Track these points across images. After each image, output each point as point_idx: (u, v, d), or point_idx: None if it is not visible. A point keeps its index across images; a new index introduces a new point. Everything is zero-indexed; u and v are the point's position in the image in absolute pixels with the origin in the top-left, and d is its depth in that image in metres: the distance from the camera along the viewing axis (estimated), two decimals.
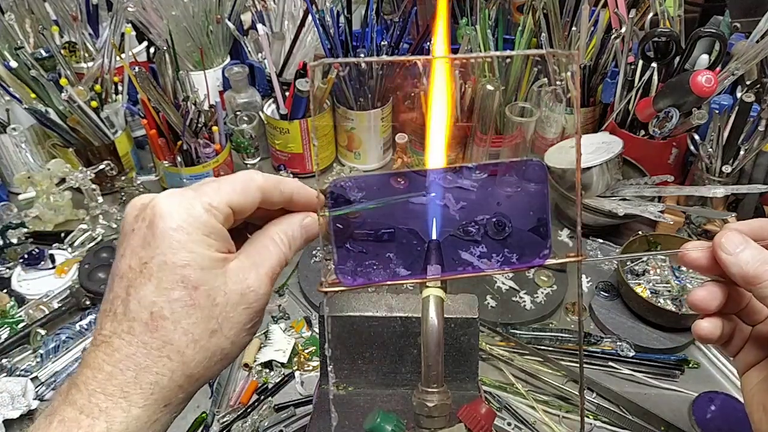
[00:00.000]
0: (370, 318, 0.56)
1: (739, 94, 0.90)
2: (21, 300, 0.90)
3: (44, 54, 1.06)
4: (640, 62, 0.98)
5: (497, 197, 0.97)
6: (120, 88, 1.09)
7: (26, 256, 0.93)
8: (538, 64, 1.02)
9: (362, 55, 1.05)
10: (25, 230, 1.00)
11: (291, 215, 0.39)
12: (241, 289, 0.35)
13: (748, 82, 0.96)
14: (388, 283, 0.38)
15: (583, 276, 0.92)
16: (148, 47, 1.22)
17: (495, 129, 1.03)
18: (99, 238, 1.00)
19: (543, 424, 0.73)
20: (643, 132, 1.00)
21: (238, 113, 1.11)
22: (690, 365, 0.80)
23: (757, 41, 0.94)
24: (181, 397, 0.34)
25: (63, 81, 0.98)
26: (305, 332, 0.85)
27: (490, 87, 0.97)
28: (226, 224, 0.35)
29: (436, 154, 0.39)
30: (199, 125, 1.00)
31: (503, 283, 0.89)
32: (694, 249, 0.39)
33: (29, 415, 0.75)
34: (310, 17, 1.08)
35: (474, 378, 0.58)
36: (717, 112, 0.89)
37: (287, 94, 1.06)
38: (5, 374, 0.79)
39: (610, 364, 0.79)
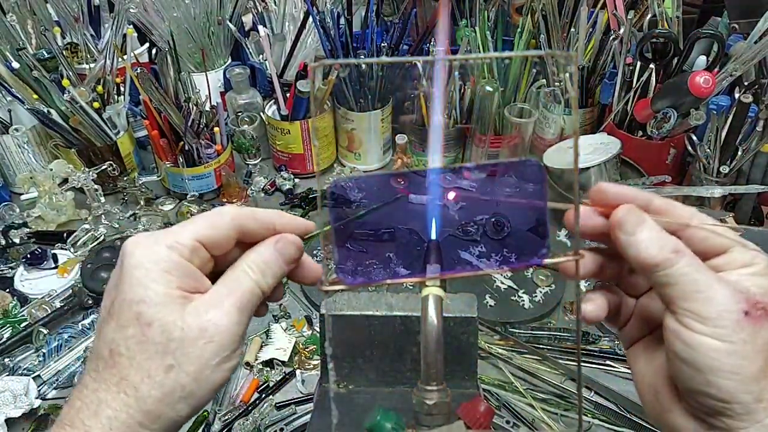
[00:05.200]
0: (371, 317, 0.56)
1: (737, 95, 0.91)
2: (23, 299, 0.90)
3: (46, 55, 1.07)
4: (639, 63, 0.98)
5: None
6: (122, 89, 1.09)
7: (29, 255, 0.93)
8: (537, 65, 1.03)
9: (362, 57, 1.06)
10: (28, 230, 1.00)
11: (264, 241, 0.38)
12: (200, 324, 0.34)
13: (746, 83, 0.96)
14: (388, 282, 0.39)
15: None
16: (149, 48, 1.22)
17: (494, 130, 1.04)
18: (101, 238, 1.00)
19: (541, 422, 0.74)
20: (641, 133, 1.00)
21: (239, 114, 1.12)
22: None
23: (756, 42, 0.94)
24: None
25: (65, 82, 0.98)
26: (306, 331, 0.85)
27: (489, 88, 0.97)
28: (195, 259, 0.35)
29: (436, 155, 0.39)
30: (201, 126, 1.01)
31: (502, 283, 0.89)
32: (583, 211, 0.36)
33: (31, 414, 0.75)
34: (310, 18, 1.08)
35: (473, 376, 0.59)
36: (715, 112, 0.89)
37: (288, 95, 1.06)
38: (8, 373, 0.79)
39: (608, 362, 0.80)
